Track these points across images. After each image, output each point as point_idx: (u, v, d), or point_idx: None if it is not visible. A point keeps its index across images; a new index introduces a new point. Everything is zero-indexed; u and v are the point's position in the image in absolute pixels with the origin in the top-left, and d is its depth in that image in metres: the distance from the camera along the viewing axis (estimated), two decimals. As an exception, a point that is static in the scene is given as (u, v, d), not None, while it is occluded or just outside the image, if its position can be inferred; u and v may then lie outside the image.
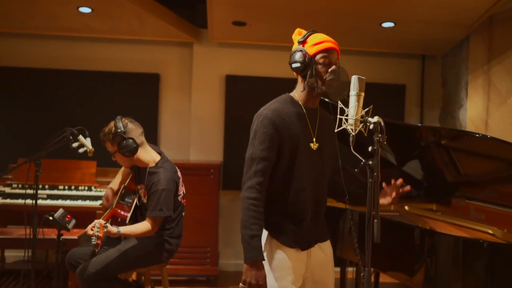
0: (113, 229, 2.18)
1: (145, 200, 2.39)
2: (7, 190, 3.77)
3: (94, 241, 2.07)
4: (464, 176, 3.13)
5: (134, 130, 2.43)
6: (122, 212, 2.41)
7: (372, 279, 4.01)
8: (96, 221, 2.13)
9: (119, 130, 2.35)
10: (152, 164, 2.41)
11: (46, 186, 3.83)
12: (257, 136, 1.71)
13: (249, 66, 4.60)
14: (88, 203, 3.72)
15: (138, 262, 2.31)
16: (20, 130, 4.37)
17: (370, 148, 1.48)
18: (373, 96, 4.74)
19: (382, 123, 1.49)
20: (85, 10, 3.57)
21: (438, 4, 3.24)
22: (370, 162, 1.48)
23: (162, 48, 4.57)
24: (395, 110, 4.74)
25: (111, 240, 2.44)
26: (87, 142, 2.52)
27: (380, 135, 1.48)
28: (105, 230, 2.12)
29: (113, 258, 2.24)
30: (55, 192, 3.79)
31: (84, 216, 3.17)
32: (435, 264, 2.15)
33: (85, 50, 4.49)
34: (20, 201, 3.67)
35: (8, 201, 3.66)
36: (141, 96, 4.52)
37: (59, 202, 3.67)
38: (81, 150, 2.53)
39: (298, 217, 1.76)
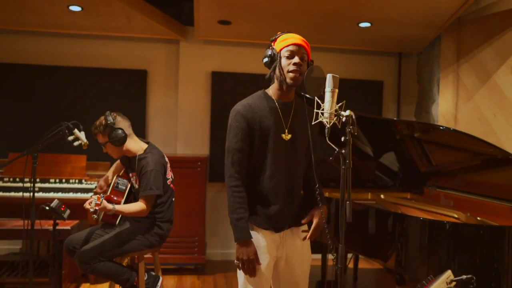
0: (109, 205, 2.34)
1: (137, 186, 2.54)
2: (0, 183, 3.87)
3: (92, 209, 2.25)
4: (435, 167, 3.35)
5: (122, 122, 2.59)
6: (115, 198, 2.55)
7: (352, 265, 4.25)
8: (93, 196, 2.30)
9: (109, 122, 2.51)
10: (140, 152, 2.57)
11: (38, 180, 3.91)
12: (231, 130, 1.91)
13: (234, 63, 4.69)
14: (79, 195, 3.84)
15: (132, 246, 2.45)
16: (10, 125, 4.42)
17: (342, 138, 1.66)
18: (353, 91, 4.94)
19: (354, 116, 1.67)
20: (75, 8, 3.64)
21: (410, 6, 3.41)
22: (343, 151, 1.67)
23: (149, 45, 4.64)
24: (373, 106, 4.90)
25: (106, 226, 2.59)
26: (82, 135, 2.65)
27: (351, 127, 1.65)
28: (102, 199, 2.28)
29: (109, 242, 2.39)
30: (46, 185, 3.89)
31: (76, 208, 3.27)
32: (405, 245, 2.37)
33: (74, 46, 4.53)
34: (14, 194, 3.77)
35: (1, 194, 3.76)
36: (129, 92, 4.59)
37: (51, 194, 3.78)
38: (76, 143, 2.65)
39: (270, 202, 1.92)
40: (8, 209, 3.82)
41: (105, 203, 2.29)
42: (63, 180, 3.98)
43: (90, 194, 3.85)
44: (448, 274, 1.40)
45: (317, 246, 2.98)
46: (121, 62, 4.61)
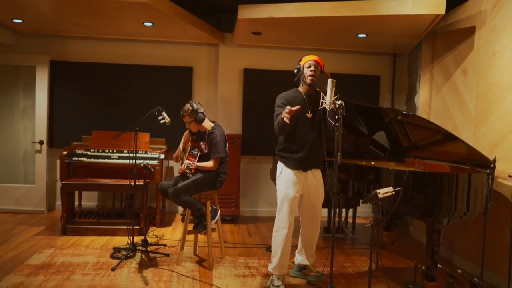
0: (195, 165, 3.62)
1: (205, 151, 3.77)
2: (89, 153, 5.16)
3: (189, 172, 3.57)
4: (413, 142, 4.41)
5: (201, 108, 3.78)
6: (191, 159, 3.81)
7: (351, 220, 5.43)
8: (185, 161, 3.58)
9: (194, 108, 3.72)
10: (210, 128, 3.80)
11: (115, 151, 5.16)
12: (277, 105, 3.17)
13: (261, 62, 5.71)
14: (147, 162, 5.09)
15: (203, 187, 3.69)
16: (91, 110, 5.62)
17: (336, 117, 2.87)
18: (355, 85, 6.12)
19: (343, 104, 2.87)
20: (148, 24, 4.84)
21: (396, 23, 4.38)
22: (337, 124, 2.88)
23: (195, 48, 5.72)
24: (371, 96, 5.88)
25: (183, 177, 3.83)
26: (166, 116, 3.88)
27: (341, 110, 2.86)
28: (195, 165, 3.59)
29: (189, 184, 3.64)
30: (122, 154, 5.13)
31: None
32: (380, 186, 3.57)
33: (137, 49, 5.64)
34: (101, 160, 5.05)
35: (92, 160, 5.06)
36: (178, 84, 5.68)
37: (126, 161, 4.99)
38: (162, 122, 3.87)
39: (299, 152, 3.16)
40: (98, 172, 5.11)
41: (194, 166, 3.60)
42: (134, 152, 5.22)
43: (156, 161, 5.09)
44: (390, 188, 2.62)
45: (325, 202, 4.09)
46: (172, 61, 5.69)
